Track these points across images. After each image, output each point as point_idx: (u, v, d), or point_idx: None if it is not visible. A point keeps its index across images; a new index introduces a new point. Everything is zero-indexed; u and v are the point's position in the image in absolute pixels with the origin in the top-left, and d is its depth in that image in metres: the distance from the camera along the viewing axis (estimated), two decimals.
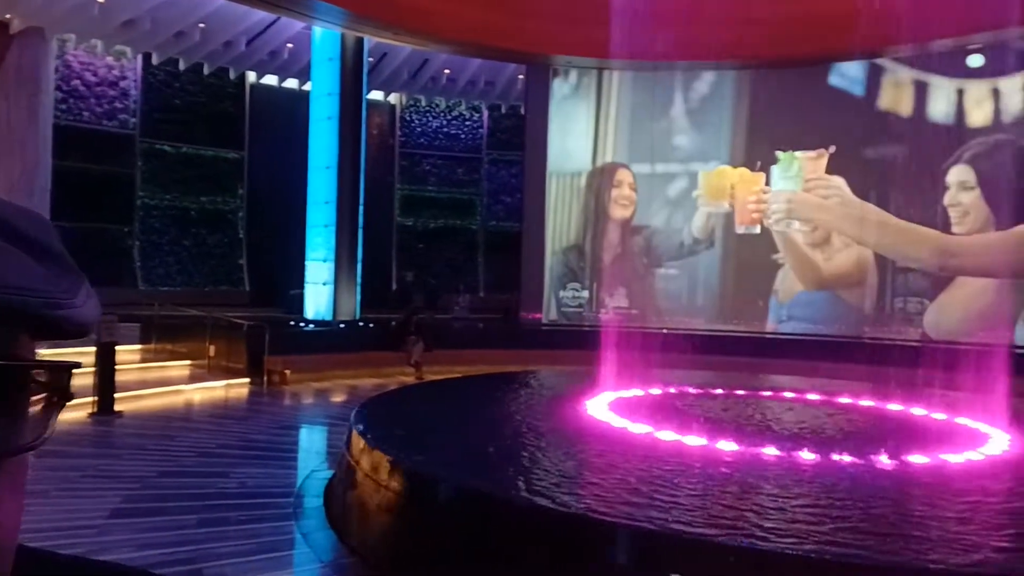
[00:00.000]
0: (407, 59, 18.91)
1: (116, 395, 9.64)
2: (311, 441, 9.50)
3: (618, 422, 6.52)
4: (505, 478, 4.77)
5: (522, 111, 18.83)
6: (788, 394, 8.60)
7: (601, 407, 7.28)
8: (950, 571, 3.33)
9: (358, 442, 5.65)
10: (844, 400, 8.33)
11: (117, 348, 9.87)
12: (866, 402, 8.16)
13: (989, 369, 7.89)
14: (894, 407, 7.90)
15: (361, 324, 15.47)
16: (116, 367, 9.76)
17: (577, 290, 17.16)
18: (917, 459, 5.43)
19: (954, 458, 5.54)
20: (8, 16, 15.04)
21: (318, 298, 15.46)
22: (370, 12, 13.42)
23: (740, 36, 13.49)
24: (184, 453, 7.73)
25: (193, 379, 12.06)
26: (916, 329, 14.60)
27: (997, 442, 6.25)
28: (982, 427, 6.82)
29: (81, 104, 17.41)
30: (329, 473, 6.75)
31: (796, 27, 13.53)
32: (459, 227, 22.75)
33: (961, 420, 7.18)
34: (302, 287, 15.80)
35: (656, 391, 8.51)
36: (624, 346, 10.82)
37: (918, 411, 7.75)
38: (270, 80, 19.89)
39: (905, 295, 15.03)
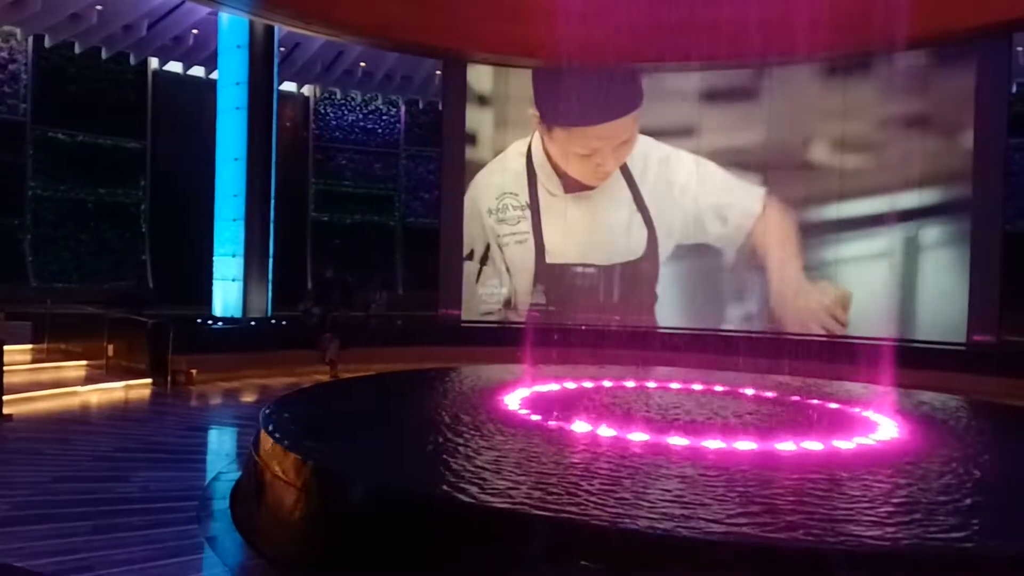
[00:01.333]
0: (321, 50, 18.49)
1: (4, 397, 9.03)
2: (218, 443, 9.16)
3: (534, 416, 6.60)
4: (420, 474, 4.74)
5: (439, 107, 18.74)
6: (696, 386, 8.90)
7: (517, 402, 7.34)
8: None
9: (266, 441, 5.49)
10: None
11: (5, 348, 9.25)
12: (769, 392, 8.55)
13: None
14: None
15: (273, 321, 15.04)
16: (4, 368, 9.14)
17: (496, 287, 17.22)
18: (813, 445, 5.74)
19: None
20: None
21: (227, 295, 14.94)
22: None
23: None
24: (80, 457, 7.33)
25: (90, 380, 11.43)
26: None
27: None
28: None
29: None
30: (237, 475, 6.54)
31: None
32: (377, 223, 22.44)
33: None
34: (210, 283, 15.22)
35: (571, 385, 8.65)
36: (541, 342, 10.93)
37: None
38: (174, 67, 19.04)
39: None
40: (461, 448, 5.36)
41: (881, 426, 6.74)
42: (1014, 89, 16.06)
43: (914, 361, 11.97)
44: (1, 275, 15.74)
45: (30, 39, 16.88)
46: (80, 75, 17.81)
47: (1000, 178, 14.31)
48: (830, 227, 15.45)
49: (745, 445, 5.62)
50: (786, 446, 5.69)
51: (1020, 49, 15.37)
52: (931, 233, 14.75)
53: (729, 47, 14.05)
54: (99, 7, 15.53)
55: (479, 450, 5.33)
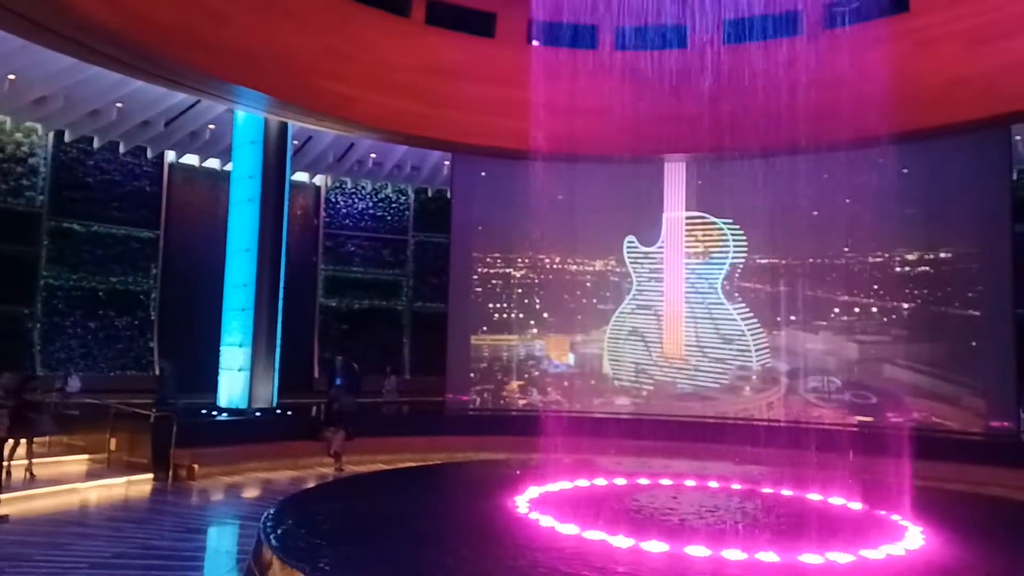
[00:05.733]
0: (333, 143, 18.97)
1: (2, 496, 8.82)
2: (218, 545, 8.86)
3: (545, 521, 6.36)
4: None
5: (448, 195, 19.06)
6: (712, 483, 8.63)
7: (526, 503, 7.10)
8: None
9: (267, 554, 5.29)
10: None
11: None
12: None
13: None
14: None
15: (278, 412, 14.86)
16: (4, 463, 8.96)
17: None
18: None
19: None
20: None
21: (233, 385, 14.82)
22: (294, 99, 13.46)
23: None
24: (74, 564, 7.07)
25: (91, 476, 11.21)
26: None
27: None
28: None
29: None
30: None
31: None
32: (385, 308, 22.49)
33: None
34: (217, 372, 15.12)
35: (583, 482, 8.40)
36: (550, 432, 10.70)
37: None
38: (190, 160, 19.54)
39: None
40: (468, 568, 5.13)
41: (908, 532, 6.47)
42: (1015, 176, 16.24)
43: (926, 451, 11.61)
44: (8, 364, 15.70)
45: (51, 134, 17.41)
46: (97, 167, 18.27)
47: (1009, 263, 14.29)
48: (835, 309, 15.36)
49: (768, 557, 5.37)
50: (811, 558, 5.43)
51: (1019, 138, 15.62)
52: (945, 318, 14.62)
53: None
54: (119, 104, 16.06)
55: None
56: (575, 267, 17.33)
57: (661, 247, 16.98)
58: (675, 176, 16.88)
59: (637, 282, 16.98)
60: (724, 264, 16.41)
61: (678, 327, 16.57)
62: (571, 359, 17.14)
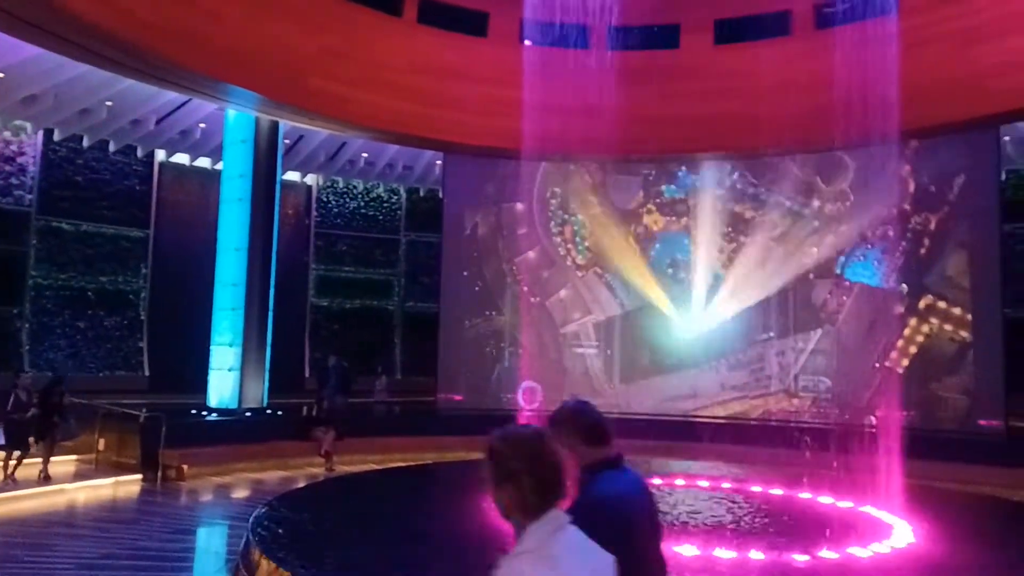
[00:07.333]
0: (324, 142, 18.92)
1: None
2: (207, 547, 8.81)
3: None
4: None
5: (440, 194, 19.03)
6: (702, 483, 8.65)
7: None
8: None
9: (255, 554, 5.26)
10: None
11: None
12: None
13: None
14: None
15: (269, 412, 14.79)
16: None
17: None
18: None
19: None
20: None
21: (223, 385, 14.74)
22: (285, 98, 13.39)
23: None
24: (62, 566, 7.03)
25: (79, 476, 11.14)
26: None
27: None
28: None
29: None
30: None
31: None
32: (376, 308, 22.44)
33: None
34: (207, 372, 15.04)
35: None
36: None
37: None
38: (181, 158, 19.45)
39: None
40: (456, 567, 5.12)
41: (896, 529, 6.49)
42: (1003, 176, 16.34)
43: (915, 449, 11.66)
44: None
45: (40, 133, 17.30)
46: (87, 166, 18.16)
47: (997, 263, 14.37)
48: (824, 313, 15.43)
49: (757, 555, 5.38)
50: (800, 556, 5.45)
51: (1007, 139, 15.71)
52: (933, 316, 14.69)
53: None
54: (109, 103, 15.96)
55: None
56: (569, 265, 17.31)
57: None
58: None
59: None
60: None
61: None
62: (567, 358, 17.13)
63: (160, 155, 19.20)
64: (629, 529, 2.23)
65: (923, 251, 14.78)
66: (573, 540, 1.90)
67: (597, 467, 2.34)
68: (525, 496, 1.91)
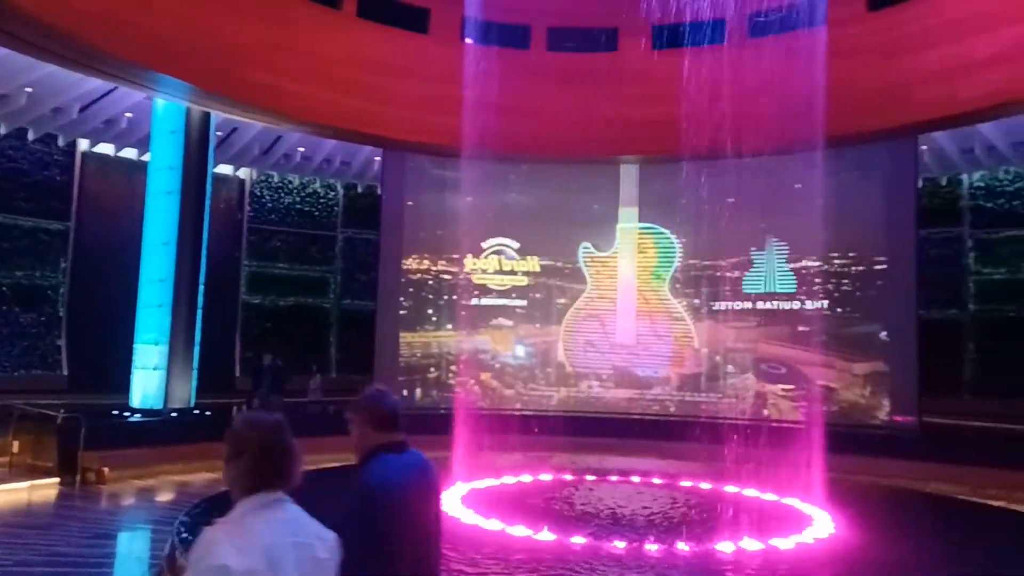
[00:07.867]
0: (259, 135, 18.44)
1: None
2: (129, 550, 8.48)
3: (470, 518, 6.35)
4: None
5: (378, 191, 18.81)
6: (634, 478, 8.79)
7: (454, 501, 7.08)
8: None
9: (180, 559, 5.09)
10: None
11: None
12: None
13: None
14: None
15: (196, 412, 14.32)
16: None
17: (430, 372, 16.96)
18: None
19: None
20: None
21: (147, 384, 14.21)
22: (218, 88, 12.99)
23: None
24: None
25: None
26: None
27: None
28: None
29: None
30: None
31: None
32: (311, 305, 22.01)
33: None
34: (130, 371, 14.47)
35: (509, 479, 8.43)
36: (477, 431, 10.69)
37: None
38: (105, 149, 18.65)
39: None
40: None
41: (817, 520, 6.74)
42: (920, 184, 17.16)
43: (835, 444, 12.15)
44: None
45: None
46: (3, 155, 17.23)
47: (913, 267, 15.07)
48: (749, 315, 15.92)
49: (683, 547, 5.51)
50: (725, 546, 5.60)
51: (924, 148, 16.51)
52: (851, 319, 15.33)
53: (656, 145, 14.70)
54: (29, 89, 15.17)
55: None
56: (509, 265, 17.36)
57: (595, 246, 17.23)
58: (623, 178, 17.15)
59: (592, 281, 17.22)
60: (670, 267, 16.82)
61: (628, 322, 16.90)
62: (507, 357, 17.19)
63: (83, 145, 18.37)
64: (391, 511, 2.45)
65: (843, 255, 15.39)
66: (282, 515, 2.05)
67: (377, 451, 2.58)
68: (244, 474, 2.05)
